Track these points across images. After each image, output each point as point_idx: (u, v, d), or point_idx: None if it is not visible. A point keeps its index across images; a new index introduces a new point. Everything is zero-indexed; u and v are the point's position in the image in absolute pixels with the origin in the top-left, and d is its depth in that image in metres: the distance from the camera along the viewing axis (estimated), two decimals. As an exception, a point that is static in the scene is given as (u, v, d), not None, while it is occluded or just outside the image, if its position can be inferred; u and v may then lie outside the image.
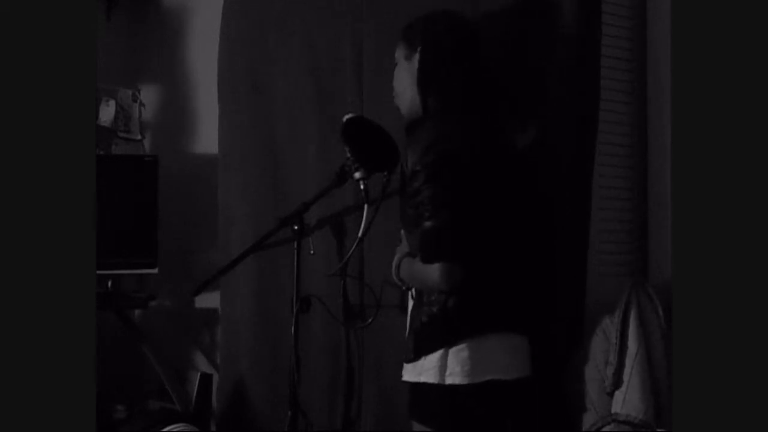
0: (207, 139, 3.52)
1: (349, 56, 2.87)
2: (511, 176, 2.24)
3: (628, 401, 2.31)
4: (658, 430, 2.29)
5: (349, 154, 2.45)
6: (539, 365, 2.26)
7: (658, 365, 2.35)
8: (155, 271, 3.44)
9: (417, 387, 2.18)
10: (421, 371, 2.16)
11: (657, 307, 2.39)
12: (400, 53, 2.32)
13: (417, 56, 2.25)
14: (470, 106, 2.24)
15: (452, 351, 2.12)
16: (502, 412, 2.19)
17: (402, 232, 2.32)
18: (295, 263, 2.58)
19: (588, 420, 2.36)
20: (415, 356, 2.18)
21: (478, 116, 2.25)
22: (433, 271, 2.10)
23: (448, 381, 2.12)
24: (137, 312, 3.70)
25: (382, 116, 2.57)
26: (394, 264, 2.29)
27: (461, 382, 2.11)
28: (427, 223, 2.10)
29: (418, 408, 2.21)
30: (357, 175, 2.44)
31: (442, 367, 2.12)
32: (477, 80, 2.26)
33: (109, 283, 3.42)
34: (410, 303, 2.29)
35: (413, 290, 2.28)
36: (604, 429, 2.34)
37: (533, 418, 2.29)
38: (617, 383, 2.34)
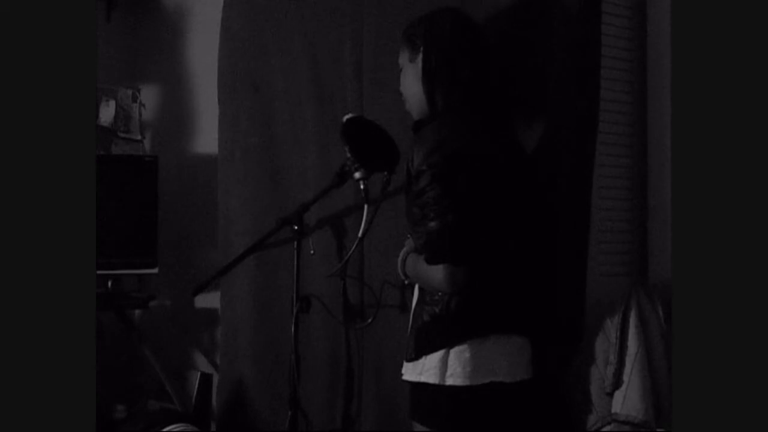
0: (207, 139, 3.52)
1: (349, 56, 2.87)
2: (515, 176, 2.23)
3: (628, 401, 2.31)
4: (658, 430, 2.29)
5: (349, 154, 2.44)
6: (539, 366, 2.26)
7: (658, 365, 2.35)
8: (155, 271, 3.44)
9: (417, 387, 2.18)
10: (421, 371, 2.15)
11: (657, 307, 2.39)
12: (403, 57, 2.31)
13: (420, 56, 2.24)
14: (477, 105, 2.24)
15: (453, 351, 2.11)
16: (502, 413, 2.19)
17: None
18: (295, 263, 2.58)
19: (588, 420, 2.37)
20: (416, 355, 2.17)
21: (484, 115, 2.24)
22: (437, 273, 2.10)
23: (449, 382, 2.11)
24: (137, 312, 3.70)
25: (382, 116, 2.57)
26: (400, 257, 2.28)
27: (462, 384, 2.11)
28: (432, 224, 2.09)
29: (418, 408, 2.20)
30: (357, 175, 2.44)
31: (443, 367, 2.12)
32: (483, 77, 2.26)
33: (109, 283, 3.42)
34: (414, 300, 2.29)
35: (416, 286, 2.28)
36: (604, 429, 2.34)
37: (534, 419, 2.29)
38: (617, 383, 2.34)
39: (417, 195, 2.12)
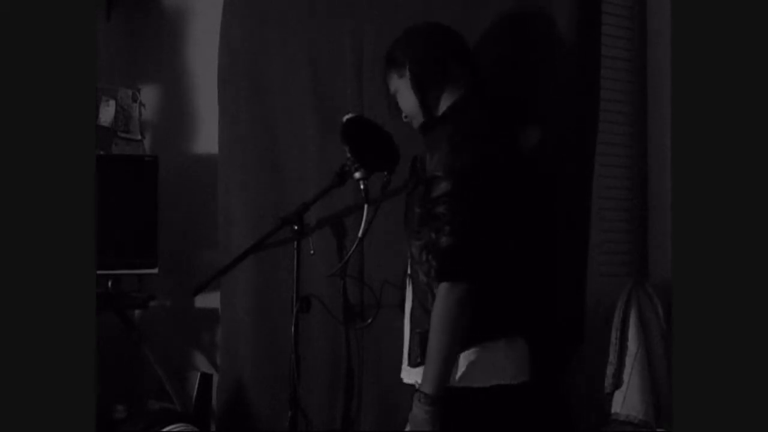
0: (207, 139, 3.52)
1: (349, 56, 2.87)
2: (517, 176, 2.21)
3: (628, 401, 2.31)
4: (658, 430, 2.29)
5: (349, 154, 2.44)
6: (540, 367, 2.25)
7: (658, 365, 2.35)
8: (155, 271, 3.44)
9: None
10: None
11: (657, 307, 2.40)
12: (394, 80, 2.32)
13: (407, 69, 2.26)
14: (479, 101, 2.23)
15: (461, 355, 2.10)
16: (505, 414, 2.17)
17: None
18: (295, 263, 2.57)
19: (588, 420, 2.37)
20: (423, 360, 2.15)
21: (487, 114, 2.24)
22: (442, 290, 2.05)
23: (458, 385, 2.10)
24: (137, 312, 3.70)
25: (382, 116, 2.57)
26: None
27: (467, 385, 2.10)
28: (446, 240, 2.06)
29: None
30: (357, 175, 2.44)
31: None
32: (475, 74, 2.25)
33: (109, 283, 3.42)
34: (408, 303, 2.27)
35: (410, 289, 2.26)
36: (604, 429, 2.34)
37: (535, 420, 2.29)
38: (617, 383, 2.34)
39: (429, 201, 2.11)
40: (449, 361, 2.06)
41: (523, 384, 2.17)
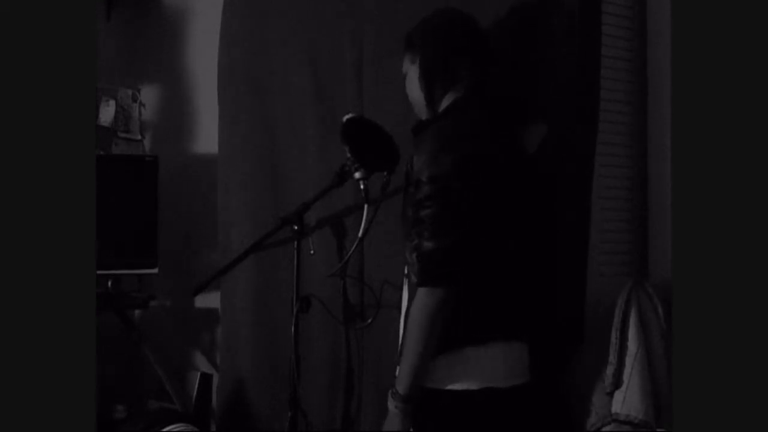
0: (207, 139, 3.52)
1: (349, 56, 2.87)
2: (516, 176, 2.21)
3: (628, 401, 2.31)
4: (658, 430, 2.29)
5: (349, 154, 2.44)
6: (539, 367, 2.25)
7: (658, 365, 2.35)
8: (155, 271, 3.44)
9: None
10: None
11: (657, 307, 2.40)
12: (406, 62, 2.30)
13: (419, 57, 2.24)
14: (477, 102, 2.23)
15: (453, 357, 2.09)
16: (501, 416, 2.17)
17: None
18: (295, 263, 2.58)
19: (588, 420, 2.37)
20: None
21: (485, 113, 2.23)
22: (421, 295, 2.05)
23: (448, 387, 2.09)
24: (137, 312, 3.71)
25: (382, 116, 2.57)
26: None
27: (459, 388, 2.09)
28: (427, 244, 2.04)
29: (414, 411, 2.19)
30: (357, 175, 2.44)
31: (442, 372, 2.10)
32: (483, 74, 2.25)
33: (109, 283, 3.42)
34: (404, 304, 2.27)
35: (405, 289, 2.26)
36: (604, 429, 2.34)
37: (534, 421, 2.28)
38: (617, 383, 2.34)
39: (414, 204, 2.11)
40: (422, 362, 2.06)
41: (518, 387, 2.15)
